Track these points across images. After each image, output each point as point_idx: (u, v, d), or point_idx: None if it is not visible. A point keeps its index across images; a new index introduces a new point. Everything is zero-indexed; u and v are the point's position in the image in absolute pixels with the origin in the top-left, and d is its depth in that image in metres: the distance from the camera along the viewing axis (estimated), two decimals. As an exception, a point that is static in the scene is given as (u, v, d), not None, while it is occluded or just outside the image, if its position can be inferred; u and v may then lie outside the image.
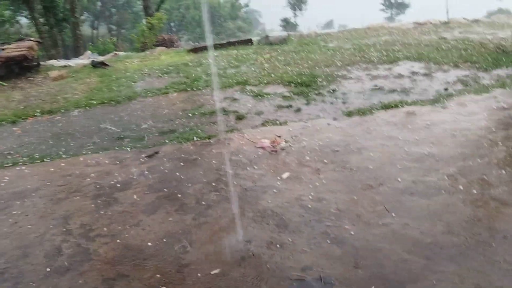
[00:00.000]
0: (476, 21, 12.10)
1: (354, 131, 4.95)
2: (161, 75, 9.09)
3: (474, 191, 3.40)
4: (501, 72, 6.81)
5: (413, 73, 7.18)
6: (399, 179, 3.70)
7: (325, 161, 4.23)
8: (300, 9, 52.33)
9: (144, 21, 18.70)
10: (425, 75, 7.02)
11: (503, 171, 3.65)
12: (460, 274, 2.53)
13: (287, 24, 51.22)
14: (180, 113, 6.37)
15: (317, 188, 3.70)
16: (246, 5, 60.79)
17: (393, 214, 3.19)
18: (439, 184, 3.57)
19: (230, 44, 11.61)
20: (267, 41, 11.40)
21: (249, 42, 11.67)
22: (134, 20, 38.35)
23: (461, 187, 3.47)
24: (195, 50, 11.81)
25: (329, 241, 2.96)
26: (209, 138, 5.17)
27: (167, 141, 5.23)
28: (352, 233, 3.02)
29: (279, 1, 52.51)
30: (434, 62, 7.68)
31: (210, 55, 10.78)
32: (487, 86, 6.03)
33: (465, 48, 8.53)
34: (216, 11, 49.46)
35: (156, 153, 4.87)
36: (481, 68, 7.07)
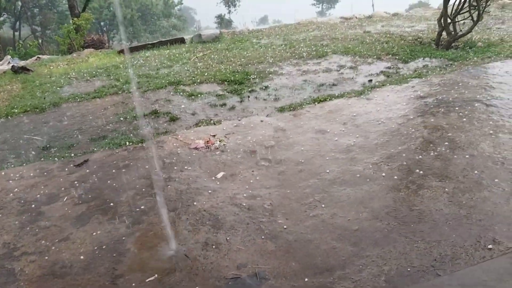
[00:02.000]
0: (396, 14, 12.86)
1: (286, 127, 5.08)
2: (89, 78, 8.71)
3: (395, 177, 3.65)
4: (418, 63, 7.31)
5: (341, 66, 7.50)
6: (328, 171, 3.87)
7: (259, 158, 4.31)
8: (234, 6, 52.36)
9: (71, 21, 17.74)
10: (351, 68, 7.35)
11: (420, 156, 3.94)
12: (384, 257, 2.71)
13: (221, 21, 51.05)
14: (111, 117, 6.16)
15: (251, 185, 3.77)
16: (180, 3, 59.77)
17: (323, 205, 3.34)
18: (365, 172, 3.78)
19: (162, 43, 11.37)
20: (200, 40, 11.31)
21: (181, 41, 11.50)
22: (59, 21, 36.16)
23: (383, 174, 3.71)
24: (126, 51, 11.43)
25: (263, 237, 3.03)
26: (141, 142, 5.05)
27: (97, 148, 5.05)
28: (285, 227, 3.13)
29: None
30: (359, 55, 8.06)
31: (142, 55, 10.50)
32: (406, 77, 6.45)
33: (387, 41, 9.04)
34: (149, 9, 48.17)
35: (86, 161, 4.68)
36: (401, 60, 7.54)
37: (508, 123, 4.39)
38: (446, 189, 3.36)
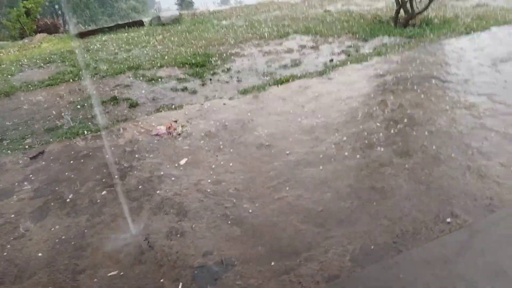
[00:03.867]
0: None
1: (249, 109, 5.03)
2: (43, 65, 8.28)
3: (358, 156, 3.69)
4: (377, 41, 7.39)
5: (302, 46, 7.48)
6: (292, 152, 3.87)
7: (222, 142, 4.25)
8: (193, -14, 51.00)
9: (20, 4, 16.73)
10: (312, 48, 7.35)
11: (381, 134, 4.01)
12: (349, 236, 2.75)
13: (182, 2, 49.79)
14: (67, 105, 5.90)
15: (215, 171, 3.72)
16: (139, -17, 57.67)
17: (288, 188, 3.34)
18: (328, 153, 3.81)
19: (120, 27, 10.94)
20: (159, 22, 10.97)
21: (140, 24, 11.10)
22: (9, 4, 34.03)
23: (346, 154, 3.75)
24: (81, 35, 10.92)
25: (229, 223, 3.00)
26: (100, 131, 4.87)
27: (53, 138, 4.82)
28: (251, 211, 3.11)
29: None
30: (320, 35, 8.07)
31: (99, 39, 10.07)
32: (366, 55, 6.52)
33: (347, 20, 9.08)
34: (106, -10, 46.27)
35: (42, 153, 4.47)
36: (361, 38, 7.61)
37: (463, 98, 4.53)
38: (406, 166, 3.44)
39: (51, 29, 14.97)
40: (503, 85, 4.79)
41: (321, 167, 3.58)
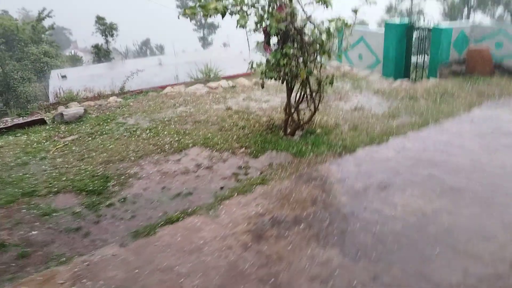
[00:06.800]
0: (257, 83, 13.97)
1: (138, 263, 5.36)
2: None
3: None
4: (266, 159, 8.18)
5: (198, 165, 8.05)
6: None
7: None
8: (112, 36, 50.82)
9: None
10: (207, 168, 7.94)
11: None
12: None
13: (99, 51, 49.18)
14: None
15: None
16: (51, 28, 56.09)
17: None
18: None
19: (18, 126, 10.76)
20: (62, 120, 10.98)
21: (42, 122, 11.01)
22: None
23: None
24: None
25: None
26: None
27: None
28: None
29: (90, 17, 50.03)
30: (217, 148, 8.72)
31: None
32: (253, 182, 7.20)
33: (243, 126, 9.89)
34: (15, 34, 44.34)
35: None
36: (252, 155, 8.36)
37: (327, 252, 5.30)
38: None
39: None
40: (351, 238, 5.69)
41: None
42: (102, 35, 50.08)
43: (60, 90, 19.95)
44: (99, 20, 48.86)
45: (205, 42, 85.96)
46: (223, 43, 79.95)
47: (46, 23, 52.22)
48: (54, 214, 6.66)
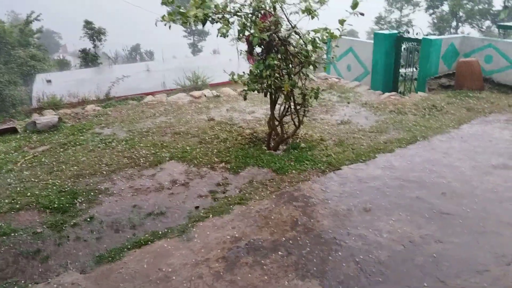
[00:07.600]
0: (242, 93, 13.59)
1: (97, 296, 4.87)
2: None
3: None
4: (246, 175, 7.73)
5: (174, 182, 7.55)
6: None
7: None
8: (100, 40, 50.25)
9: None
10: (183, 185, 7.46)
11: None
12: None
13: (86, 56, 48.54)
14: None
15: None
16: (40, 31, 55.40)
17: None
18: None
19: (-12, 135, 10.18)
20: (35, 128, 10.40)
21: (14, 130, 10.42)
22: None
23: None
24: None
25: None
26: None
27: None
28: None
29: (80, 21, 49.36)
30: (195, 163, 8.24)
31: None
32: (230, 202, 6.74)
33: (224, 139, 9.44)
34: (1, 37, 43.72)
35: None
36: (232, 170, 7.91)
37: (306, 284, 4.85)
38: None
39: None
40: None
41: None
42: (90, 40, 49.47)
43: (44, 95, 19.38)
44: (87, 24, 48.26)
45: (195, 48, 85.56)
46: (213, 50, 79.78)
47: (35, 26, 51.56)
48: (13, 234, 6.11)
